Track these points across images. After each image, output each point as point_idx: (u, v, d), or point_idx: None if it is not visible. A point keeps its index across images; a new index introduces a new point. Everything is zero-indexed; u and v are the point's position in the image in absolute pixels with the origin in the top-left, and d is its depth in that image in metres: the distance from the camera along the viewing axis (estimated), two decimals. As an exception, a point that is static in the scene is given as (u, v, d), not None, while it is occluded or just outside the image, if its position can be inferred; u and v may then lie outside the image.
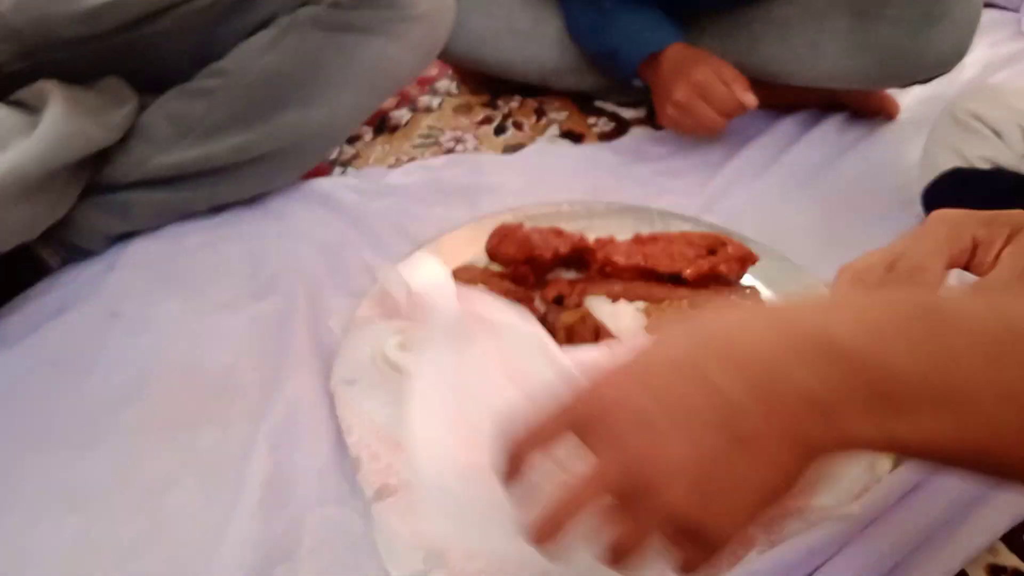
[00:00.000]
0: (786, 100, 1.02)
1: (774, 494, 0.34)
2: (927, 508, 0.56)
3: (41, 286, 0.75)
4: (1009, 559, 0.57)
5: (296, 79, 0.78)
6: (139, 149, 0.78)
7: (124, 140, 0.77)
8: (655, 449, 0.33)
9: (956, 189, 0.80)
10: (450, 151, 0.99)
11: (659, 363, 0.35)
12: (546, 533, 0.37)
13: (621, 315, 0.71)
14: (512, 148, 0.99)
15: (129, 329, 0.71)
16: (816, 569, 0.52)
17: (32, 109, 0.69)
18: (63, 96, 0.70)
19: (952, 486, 0.57)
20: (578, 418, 0.37)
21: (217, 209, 0.83)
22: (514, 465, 0.39)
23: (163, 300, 0.74)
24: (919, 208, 0.82)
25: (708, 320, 0.36)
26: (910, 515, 0.56)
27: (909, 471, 0.58)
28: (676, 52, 0.94)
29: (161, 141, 0.78)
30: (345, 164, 0.95)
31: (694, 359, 0.34)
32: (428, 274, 0.63)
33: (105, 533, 0.56)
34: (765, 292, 0.75)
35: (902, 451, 0.34)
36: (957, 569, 0.55)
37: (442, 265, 0.64)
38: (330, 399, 0.65)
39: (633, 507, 0.35)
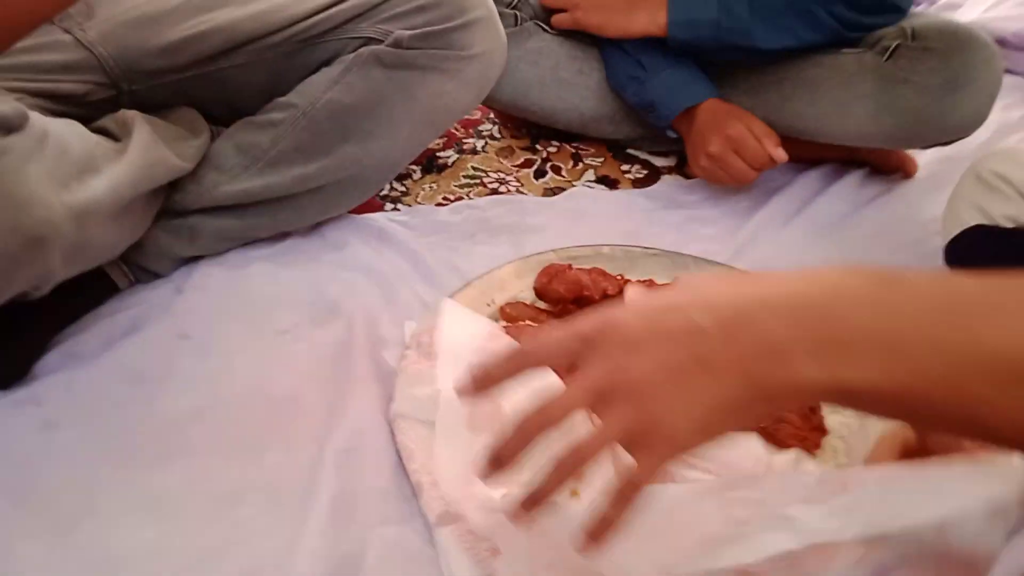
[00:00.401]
0: (811, 155, 1.08)
1: (722, 418, 0.40)
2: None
3: (112, 305, 0.79)
4: None
5: (358, 113, 0.82)
6: (209, 177, 0.82)
7: (195, 168, 0.81)
8: (633, 360, 0.41)
9: (979, 245, 0.85)
10: (494, 191, 1.04)
11: (655, 305, 0.43)
12: (516, 442, 0.43)
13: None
14: (551, 191, 1.04)
15: (197, 351, 0.75)
16: None
17: (115, 137, 0.73)
18: (146, 125, 0.74)
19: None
20: (584, 336, 0.43)
21: (278, 237, 0.87)
22: (515, 369, 0.45)
23: (228, 323, 0.78)
24: (939, 261, 0.87)
25: (702, 280, 0.45)
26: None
27: None
28: (711, 106, 1.00)
29: (229, 169, 0.82)
30: (395, 200, 0.99)
31: (683, 303, 0.42)
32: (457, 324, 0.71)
33: (180, 542, 0.60)
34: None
35: (844, 397, 0.38)
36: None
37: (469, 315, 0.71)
38: (389, 426, 0.69)
39: (603, 409, 0.41)
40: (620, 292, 0.78)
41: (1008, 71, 1.32)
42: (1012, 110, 1.25)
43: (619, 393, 0.41)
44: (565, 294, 0.77)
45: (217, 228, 0.84)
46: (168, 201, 0.81)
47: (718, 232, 0.97)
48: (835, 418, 0.71)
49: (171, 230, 0.82)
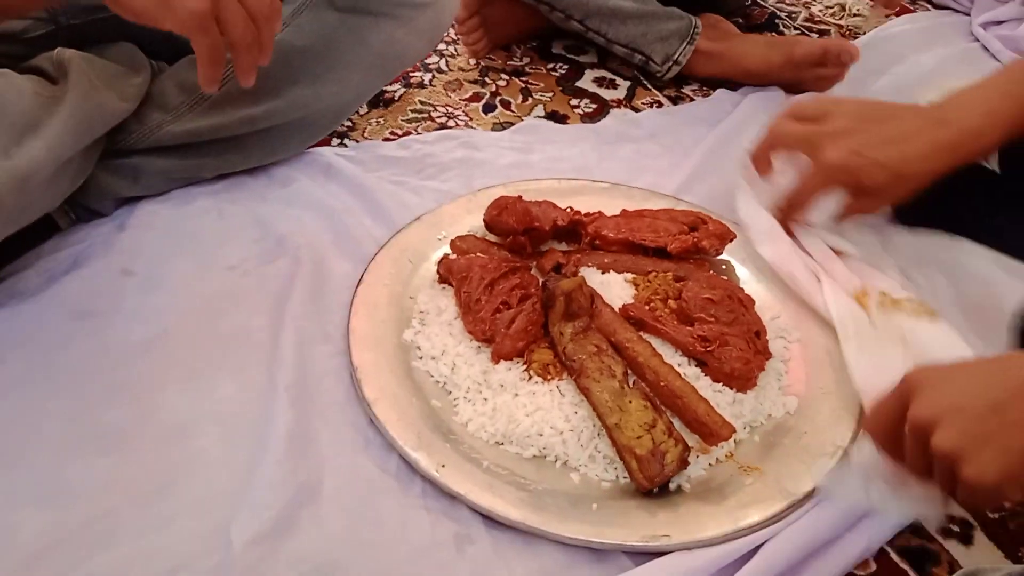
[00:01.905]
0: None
1: None
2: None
3: (52, 244, 0.79)
4: (957, 509, 0.67)
5: (309, 56, 0.82)
6: (152, 117, 0.81)
7: (138, 107, 0.80)
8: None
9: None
10: (442, 126, 1.05)
11: None
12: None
13: (611, 285, 0.78)
14: (500, 126, 1.06)
15: (143, 286, 0.76)
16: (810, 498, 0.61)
17: (51, 79, 0.71)
18: (82, 68, 0.73)
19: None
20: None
21: (223, 176, 0.88)
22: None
23: (173, 260, 0.78)
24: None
25: None
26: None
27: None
28: None
29: (173, 109, 0.81)
30: (342, 136, 0.99)
31: None
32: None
33: (134, 472, 0.62)
34: (739, 267, 0.83)
35: None
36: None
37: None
38: (338, 361, 0.71)
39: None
40: (570, 223, 0.80)
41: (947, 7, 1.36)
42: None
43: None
44: (515, 226, 0.79)
45: (161, 168, 0.83)
46: (110, 141, 0.80)
47: (667, 165, 0.99)
48: (779, 342, 0.76)
49: (114, 170, 0.81)
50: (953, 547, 0.65)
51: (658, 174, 0.97)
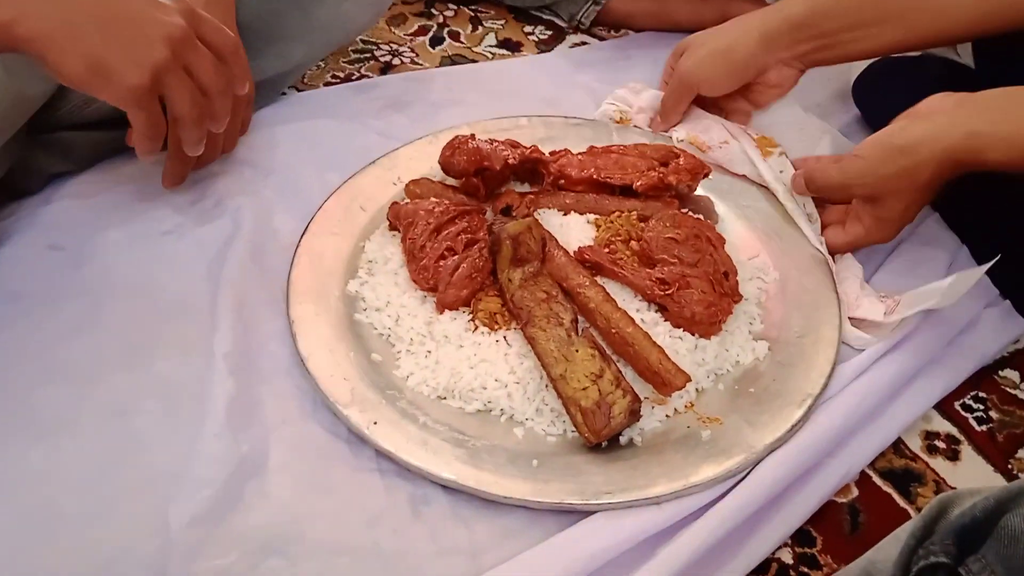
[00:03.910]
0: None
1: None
2: (868, 388, 0.64)
3: (-29, 224, 0.78)
4: (942, 425, 0.66)
5: (250, 30, 0.81)
6: (79, 93, 0.78)
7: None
8: None
9: (884, 78, 0.87)
10: (387, 65, 1.03)
11: None
12: None
13: (571, 227, 0.76)
14: (450, 60, 1.04)
15: (72, 261, 0.75)
16: (771, 452, 0.60)
17: None
18: None
19: (890, 367, 0.65)
20: None
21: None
22: None
23: (104, 230, 0.77)
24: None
25: None
26: (854, 397, 0.64)
27: (852, 365, 0.66)
28: None
29: None
30: (278, 86, 0.98)
31: None
32: None
33: (72, 459, 0.62)
34: (719, 204, 0.81)
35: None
36: (894, 438, 0.64)
37: None
38: (283, 323, 0.70)
39: None
40: (522, 162, 0.78)
41: None
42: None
43: None
44: (467, 166, 0.77)
45: (92, 142, 0.82)
46: (37, 119, 0.79)
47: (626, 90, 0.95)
48: (754, 284, 0.74)
49: (42, 147, 0.80)
50: (939, 464, 0.64)
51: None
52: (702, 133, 0.86)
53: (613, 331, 0.65)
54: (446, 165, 0.79)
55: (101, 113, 0.80)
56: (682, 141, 0.85)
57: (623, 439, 0.62)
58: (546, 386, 0.64)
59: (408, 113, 0.93)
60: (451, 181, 0.81)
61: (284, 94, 0.95)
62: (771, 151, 0.83)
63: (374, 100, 0.95)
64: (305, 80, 0.99)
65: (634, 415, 0.61)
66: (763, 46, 0.80)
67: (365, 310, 0.72)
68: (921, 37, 0.78)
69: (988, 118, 0.65)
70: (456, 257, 0.70)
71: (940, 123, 0.67)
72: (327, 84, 0.99)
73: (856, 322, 0.70)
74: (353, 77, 1.00)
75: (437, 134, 0.86)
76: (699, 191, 0.81)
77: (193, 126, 0.69)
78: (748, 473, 0.60)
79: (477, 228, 0.72)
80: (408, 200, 0.78)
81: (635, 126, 0.91)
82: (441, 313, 0.69)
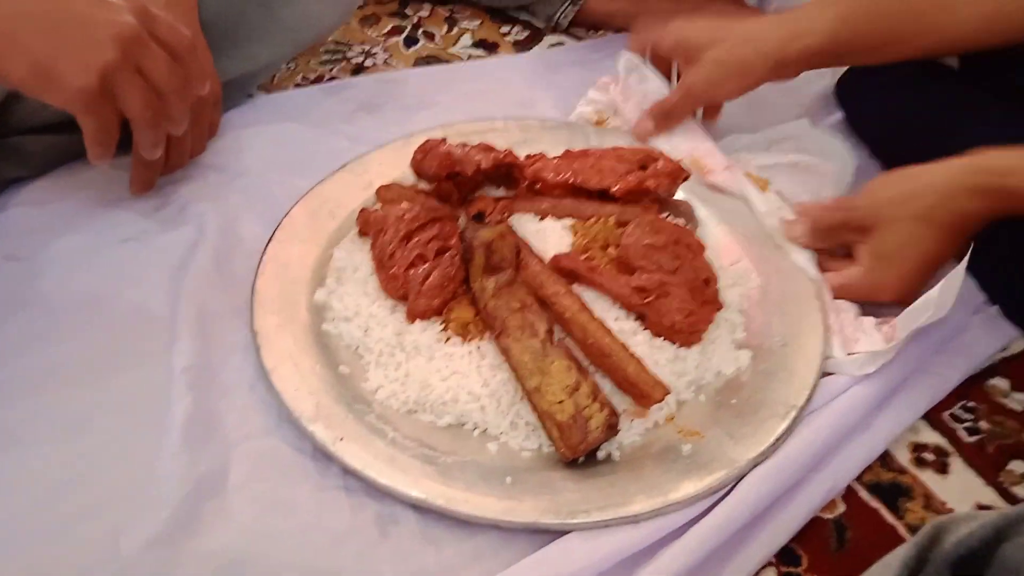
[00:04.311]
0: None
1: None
2: (854, 399, 0.63)
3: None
4: (931, 436, 0.64)
5: (215, 30, 0.78)
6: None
7: None
8: None
9: (867, 78, 0.86)
10: (359, 66, 1.01)
11: None
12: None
13: (547, 233, 0.74)
14: (424, 60, 1.02)
15: (28, 272, 0.72)
16: (754, 466, 0.58)
17: None
18: None
19: (877, 377, 0.64)
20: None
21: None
22: None
23: (61, 238, 0.75)
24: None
25: None
26: (839, 408, 0.62)
27: (837, 380, 0.64)
28: None
29: None
30: (248, 85, 0.95)
31: None
32: None
33: (23, 479, 0.59)
34: (699, 208, 0.79)
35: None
36: (881, 450, 0.62)
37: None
38: (246, 335, 0.68)
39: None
40: (495, 166, 0.76)
41: None
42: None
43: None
44: (438, 171, 0.75)
45: (49, 145, 0.79)
46: None
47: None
48: (736, 290, 0.72)
49: None
50: (929, 477, 0.62)
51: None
52: (706, 156, 0.83)
53: (590, 342, 0.63)
54: (417, 169, 0.77)
55: (59, 116, 0.76)
56: (681, 160, 0.81)
57: (600, 454, 0.60)
58: (521, 399, 0.62)
59: (380, 116, 0.91)
60: (424, 186, 0.79)
61: (252, 96, 0.93)
62: (765, 190, 0.81)
63: (345, 102, 0.93)
64: (274, 81, 0.97)
65: (612, 429, 0.59)
66: (776, 71, 0.78)
67: (333, 320, 0.69)
68: (927, 53, 0.78)
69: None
70: (427, 265, 0.68)
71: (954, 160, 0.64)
72: (297, 86, 0.97)
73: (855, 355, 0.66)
74: (324, 79, 0.99)
75: (409, 137, 0.83)
76: (678, 195, 0.79)
77: (148, 128, 0.67)
78: (731, 489, 0.58)
79: (449, 235, 0.70)
80: (379, 206, 0.76)
81: (614, 127, 0.89)
82: (412, 323, 0.67)
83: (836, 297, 0.70)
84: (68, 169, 0.81)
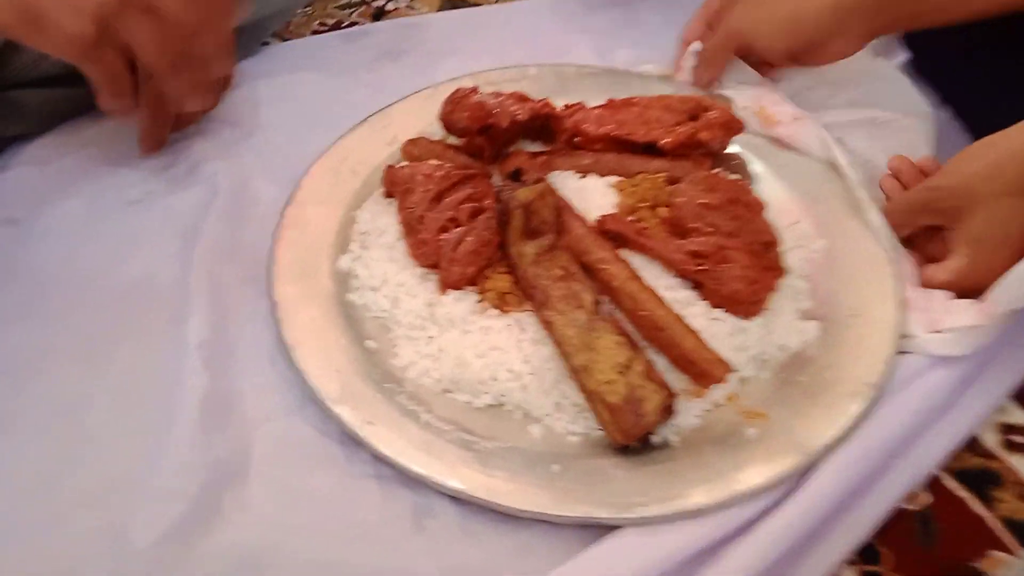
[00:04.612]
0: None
1: None
2: (937, 376, 0.57)
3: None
4: (1020, 417, 0.59)
5: None
6: None
7: None
8: None
9: None
10: (380, 11, 0.97)
11: None
12: None
13: (590, 192, 0.69)
14: (450, 3, 0.98)
15: (26, 237, 0.69)
16: (828, 452, 0.53)
17: None
18: None
19: (960, 361, 0.57)
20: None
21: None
22: None
23: (62, 201, 0.71)
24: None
25: None
26: (921, 386, 0.56)
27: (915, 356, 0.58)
28: None
29: None
30: (259, 36, 0.91)
31: None
32: None
33: (15, 463, 0.55)
34: (752, 162, 0.73)
35: None
36: (967, 434, 0.56)
37: None
38: (264, 306, 0.63)
39: None
40: (532, 118, 0.70)
41: None
42: None
43: None
44: (469, 124, 0.69)
45: (50, 100, 0.75)
46: None
47: (644, 34, 0.89)
48: (798, 254, 0.66)
49: None
50: (1020, 462, 0.57)
51: (639, 45, 0.87)
52: (773, 105, 0.76)
53: (641, 313, 0.58)
54: (447, 122, 0.72)
55: (60, 67, 0.72)
56: (746, 108, 0.75)
57: (656, 439, 0.55)
58: (566, 377, 0.57)
59: (403, 64, 0.86)
60: (453, 140, 0.73)
61: (266, 44, 0.89)
62: None
63: (366, 50, 0.88)
64: (290, 29, 0.93)
65: (668, 412, 0.53)
66: (835, 20, 0.70)
67: (358, 289, 0.64)
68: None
69: None
70: (460, 229, 0.62)
71: None
72: (314, 32, 0.93)
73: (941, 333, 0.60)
74: (343, 25, 0.94)
75: (436, 87, 0.78)
76: (729, 148, 0.73)
77: (170, 74, 0.60)
78: (802, 478, 0.52)
79: (483, 195, 0.65)
80: (405, 163, 0.71)
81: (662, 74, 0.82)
82: (444, 293, 0.61)
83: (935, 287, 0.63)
84: (72, 125, 0.77)
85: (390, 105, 0.78)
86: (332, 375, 0.58)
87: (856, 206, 0.68)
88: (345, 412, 0.55)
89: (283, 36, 0.91)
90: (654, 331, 0.57)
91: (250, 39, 0.84)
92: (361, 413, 0.55)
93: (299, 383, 0.58)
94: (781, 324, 0.61)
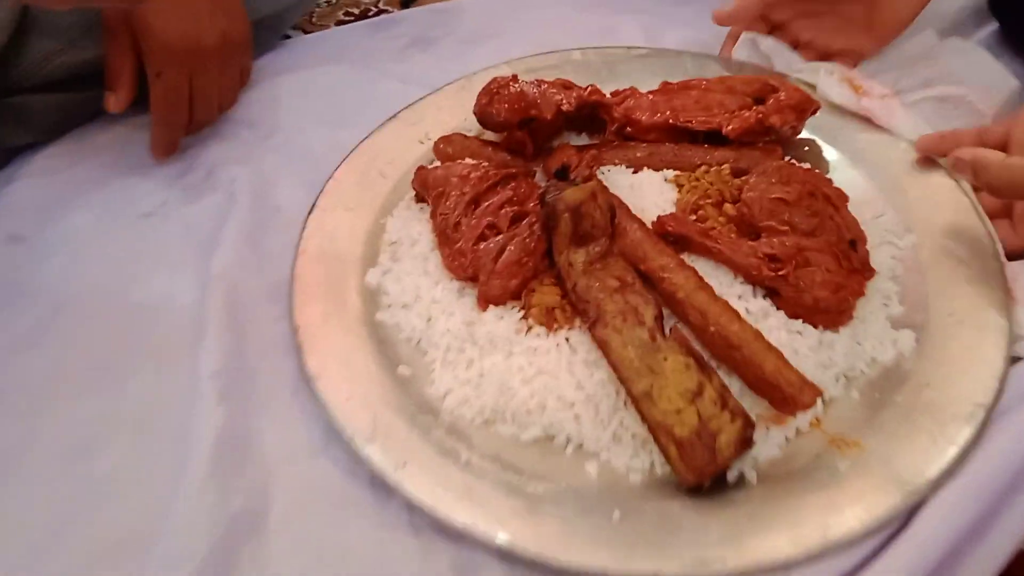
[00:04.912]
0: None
1: None
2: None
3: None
4: None
5: None
6: (38, 46, 0.69)
7: (20, 35, 0.68)
8: None
9: None
10: None
11: None
12: None
13: (645, 188, 0.63)
14: None
15: (34, 254, 0.65)
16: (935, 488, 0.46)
17: None
18: None
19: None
20: None
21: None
22: None
23: (74, 214, 0.68)
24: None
25: None
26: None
27: None
28: None
29: (65, 33, 0.69)
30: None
31: None
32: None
33: (16, 513, 0.51)
34: (827, 149, 0.67)
35: None
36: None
37: None
38: (286, 326, 0.58)
39: None
40: (579, 107, 0.64)
41: None
42: None
43: None
44: (508, 116, 0.64)
45: (56, 106, 0.72)
46: None
47: (697, 12, 0.81)
48: (885, 251, 0.58)
49: None
50: None
51: (688, 25, 0.82)
52: (859, 77, 0.69)
53: (712, 329, 0.51)
54: (483, 116, 0.67)
55: (66, 70, 0.70)
56: (832, 75, 0.68)
57: (731, 475, 0.48)
58: (625, 405, 0.50)
59: (435, 53, 0.83)
60: (490, 136, 0.69)
61: (288, 37, 0.85)
62: None
63: (395, 39, 0.85)
64: (313, 20, 0.90)
65: (746, 444, 0.47)
66: None
67: (389, 307, 0.59)
68: None
69: None
70: (500, 237, 0.57)
71: None
72: (339, 23, 0.89)
73: None
74: (370, 13, 0.91)
75: (471, 77, 0.75)
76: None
77: None
78: (905, 521, 0.45)
79: (525, 197, 0.60)
80: (438, 163, 0.66)
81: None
82: (483, 310, 0.56)
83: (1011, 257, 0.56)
84: (80, 133, 0.74)
85: (421, 99, 0.74)
86: (360, 409, 0.52)
87: (951, 193, 0.60)
88: (375, 453, 0.49)
89: (306, 28, 0.88)
90: (727, 350, 0.50)
91: (270, 32, 0.81)
92: (393, 454, 0.49)
93: (323, 418, 0.53)
94: (871, 334, 0.54)
